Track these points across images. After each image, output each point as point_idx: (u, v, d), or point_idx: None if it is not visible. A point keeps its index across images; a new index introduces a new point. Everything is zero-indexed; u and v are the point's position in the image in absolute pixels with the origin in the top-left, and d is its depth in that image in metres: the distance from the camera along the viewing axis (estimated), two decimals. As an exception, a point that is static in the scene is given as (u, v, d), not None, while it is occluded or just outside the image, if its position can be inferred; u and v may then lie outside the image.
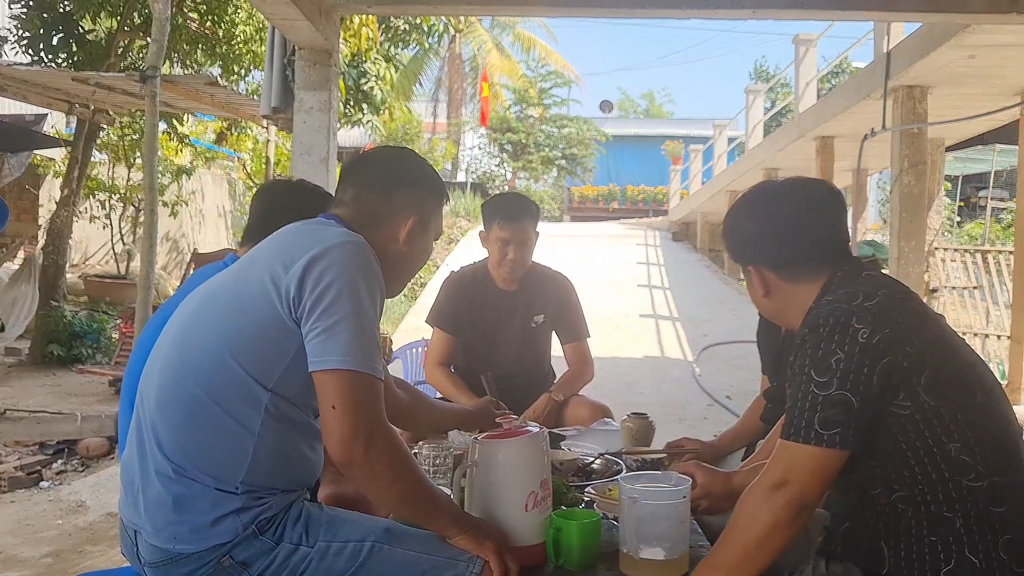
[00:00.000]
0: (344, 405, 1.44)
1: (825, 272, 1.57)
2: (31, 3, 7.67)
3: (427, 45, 11.79)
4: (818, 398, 1.40)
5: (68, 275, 9.06)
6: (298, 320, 1.48)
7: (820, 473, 1.41)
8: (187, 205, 11.72)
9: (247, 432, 1.48)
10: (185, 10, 8.30)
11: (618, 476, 2.03)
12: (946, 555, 1.37)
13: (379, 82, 9.03)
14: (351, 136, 19.42)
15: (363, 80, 8.87)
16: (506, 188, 25.71)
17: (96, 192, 10.26)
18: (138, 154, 9.80)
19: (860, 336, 1.39)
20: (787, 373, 1.53)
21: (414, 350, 5.35)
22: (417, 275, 13.08)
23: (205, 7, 8.33)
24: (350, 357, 1.45)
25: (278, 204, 2.16)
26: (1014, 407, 1.55)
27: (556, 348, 3.23)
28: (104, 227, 10.75)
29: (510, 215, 2.98)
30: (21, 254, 8.94)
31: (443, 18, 10.15)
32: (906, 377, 1.39)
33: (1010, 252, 7.63)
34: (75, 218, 8.68)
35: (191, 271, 7.29)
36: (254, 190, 13.82)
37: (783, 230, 1.60)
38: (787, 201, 1.63)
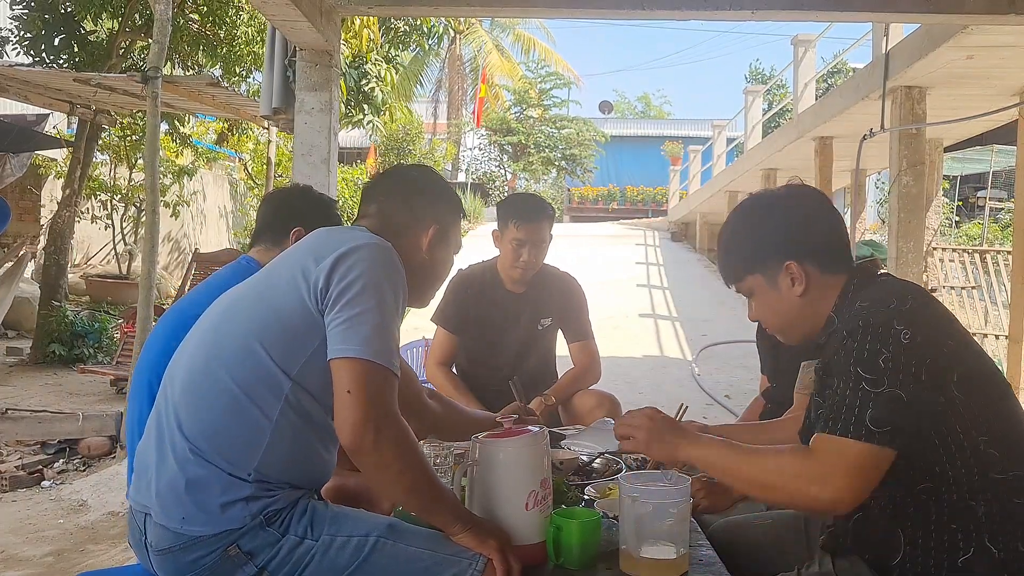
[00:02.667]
0: (358, 392, 1.47)
1: (841, 273, 1.58)
2: (32, 4, 7.68)
3: (427, 46, 11.81)
4: (869, 395, 1.37)
5: (70, 275, 9.07)
6: (322, 311, 1.53)
7: (865, 472, 1.36)
8: (188, 205, 11.74)
9: (265, 419, 1.52)
10: (186, 11, 8.32)
11: (618, 475, 2.05)
12: (965, 543, 1.38)
13: (380, 83, 9.05)
14: (352, 137, 19.45)
15: (364, 81, 8.88)
16: (506, 188, 25.74)
17: (98, 192, 10.28)
18: (139, 155, 9.83)
19: (903, 336, 1.39)
20: (819, 377, 1.51)
21: (414, 350, 5.37)
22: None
23: (206, 8, 8.34)
24: (369, 348, 1.49)
25: (285, 208, 2.27)
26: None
27: (561, 348, 3.21)
28: (106, 227, 10.77)
29: (527, 216, 2.93)
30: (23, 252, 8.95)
31: (443, 20, 10.17)
32: (943, 374, 1.40)
33: (1008, 252, 7.64)
34: (77, 218, 8.69)
35: (193, 271, 7.30)
36: (255, 190, 13.88)
37: (813, 221, 1.59)
38: (803, 197, 1.63)
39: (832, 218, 1.62)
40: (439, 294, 3.23)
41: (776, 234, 1.59)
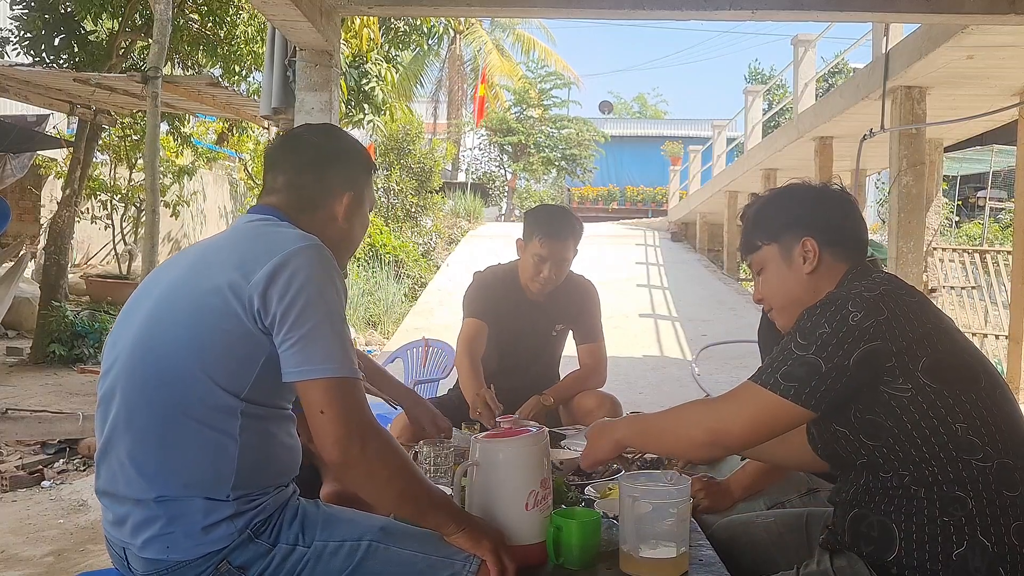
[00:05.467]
0: (333, 410, 1.44)
1: (847, 264, 1.64)
2: (32, 4, 7.69)
3: (427, 46, 11.83)
4: (792, 355, 1.48)
5: (70, 275, 9.07)
6: (266, 329, 1.46)
7: (760, 419, 1.50)
8: (189, 205, 11.74)
9: (229, 439, 1.47)
10: (186, 11, 8.32)
11: (618, 475, 2.05)
12: (958, 537, 1.39)
13: (380, 83, 9.05)
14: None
15: (364, 81, 8.88)
16: (506, 189, 25.75)
17: (98, 192, 10.28)
18: (139, 155, 9.83)
19: (851, 318, 1.45)
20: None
21: (414, 350, 5.37)
22: (418, 276, 13.04)
23: (206, 8, 8.34)
24: (331, 364, 1.45)
25: None
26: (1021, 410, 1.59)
27: (568, 348, 3.19)
28: (106, 227, 10.77)
29: (552, 233, 2.85)
30: (23, 252, 8.95)
31: (443, 20, 10.18)
32: (900, 362, 1.43)
33: (1008, 252, 7.65)
34: (77, 218, 8.68)
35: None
36: (255, 190, 13.91)
37: (837, 209, 1.69)
38: (836, 191, 1.73)
39: (854, 214, 1.71)
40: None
41: (801, 210, 1.68)
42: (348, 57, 8.58)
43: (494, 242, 14.29)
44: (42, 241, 9.79)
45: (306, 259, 1.49)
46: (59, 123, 10.92)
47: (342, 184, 1.70)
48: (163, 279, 1.60)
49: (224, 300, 1.47)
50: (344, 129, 1.89)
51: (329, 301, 1.48)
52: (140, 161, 9.91)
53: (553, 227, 2.87)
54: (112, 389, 1.53)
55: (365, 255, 11.80)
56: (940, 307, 8.30)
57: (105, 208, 10.56)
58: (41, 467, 4.78)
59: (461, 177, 25.22)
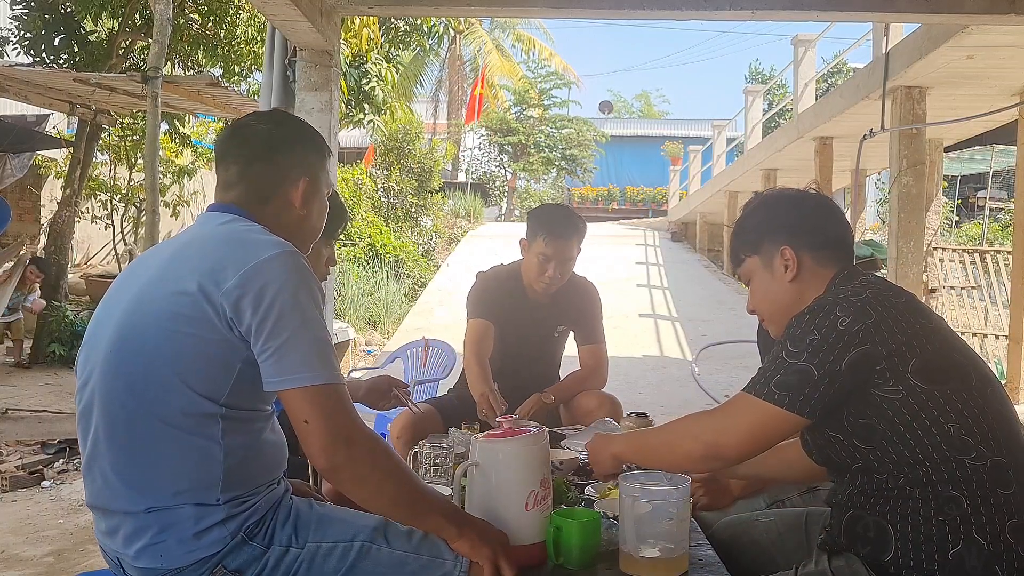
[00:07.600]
0: (317, 418, 1.43)
1: (833, 269, 1.64)
2: (32, 4, 7.69)
3: (427, 46, 11.83)
4: (784, 363, 1.49)
5: (70, 275, 9.08)
6: (242, 336, 1.44)
7: (758, 429, 1.50)
8: (189, 205, 11.74)
9: (213, 443, 1.45)
10: (186, 11, 8.33)
11: (618, 475, 2.05)
12: (954, 537, 1.40)
13: (380, 82, 9.06)
14: (352, 137, 19.45)
15: (364, 80, 8.88)
16: (506, 188, 25.76)
17: (98, 192, 10.28)
18: (139, 155, 9.84)
19: (839, 323, 1.46)
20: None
21: (414, 350, 5.37)
22: (418, 276, 13.05)
23: (206, 8, 8.36)
24: (310, 372, 1.44)
25: None
26: (1014, 407, 1.59)
27: (569, 349, 3.19)
28: (106, 227, 10.77)
29: (556, 232, 2.84)
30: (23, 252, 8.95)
31: (443, 20, 10.19)
32: (890, 365, 1.44)
33: (1008, 252, 7.65)
34: (77, 218, 8.70)
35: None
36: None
37: (815, 215, 1.69)
38: (812, 196, 1.73)
39: (834, 217, 1.70)
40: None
41: (779, 220, 1.69)
42: (348, 57, 8.58)
43: (494, 242, 14.30)
44: (42, 241, 9.79)
45: (279, 268, 1.46)
46: (59, 123, 10.92)
47: (296, 170, 1.66)
48: (131, 287, 1.55)
49: (196, 306, 1.44)
50: (294, 115, 1.85)
51: (304, 308, 1.46)
52: (140, 161, 9.91)
53: (558, 226, 2.87)
54: (90, 403, 1.52)
55: (365, 255, 11.80)
56: (940, 307, 8.30)
57: (105, 208, 10.56)
58: (41, 467, 4.78)
59: (461, 177, 25.20)
